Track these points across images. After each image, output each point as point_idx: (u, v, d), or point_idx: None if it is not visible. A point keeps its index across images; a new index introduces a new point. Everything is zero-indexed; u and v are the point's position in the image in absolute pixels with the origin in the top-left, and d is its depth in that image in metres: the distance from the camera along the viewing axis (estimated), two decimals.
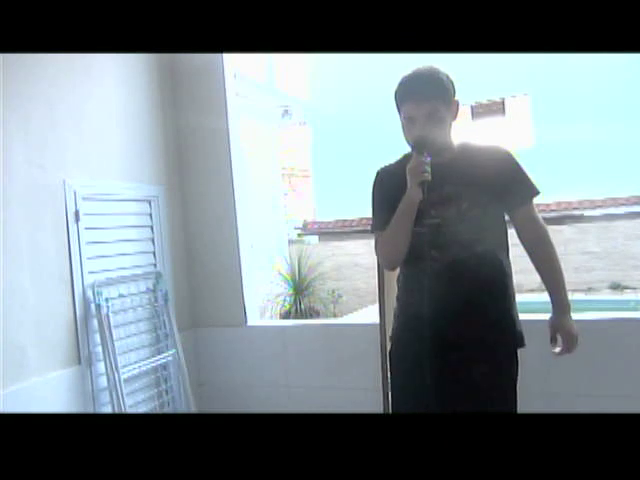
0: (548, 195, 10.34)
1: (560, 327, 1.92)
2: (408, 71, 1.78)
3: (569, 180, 10.05)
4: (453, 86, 1.79)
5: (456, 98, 1.80)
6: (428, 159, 1.68)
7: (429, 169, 1.67)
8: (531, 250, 1.86)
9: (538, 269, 1.87)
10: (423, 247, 1.78)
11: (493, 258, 1.82)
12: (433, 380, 1.75)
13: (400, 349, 1.92)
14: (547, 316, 2.87)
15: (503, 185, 1.78)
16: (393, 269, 1.96)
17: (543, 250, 1.85)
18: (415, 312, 1.83)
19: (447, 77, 1.77)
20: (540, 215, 1.88)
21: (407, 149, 1.86)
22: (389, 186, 1.85)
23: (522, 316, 2.86)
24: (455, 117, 1.82)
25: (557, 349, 1.94)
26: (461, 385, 1.76)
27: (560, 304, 1.91)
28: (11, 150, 2.28)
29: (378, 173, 1.95)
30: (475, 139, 1.90)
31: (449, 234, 1.76)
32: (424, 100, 1.72)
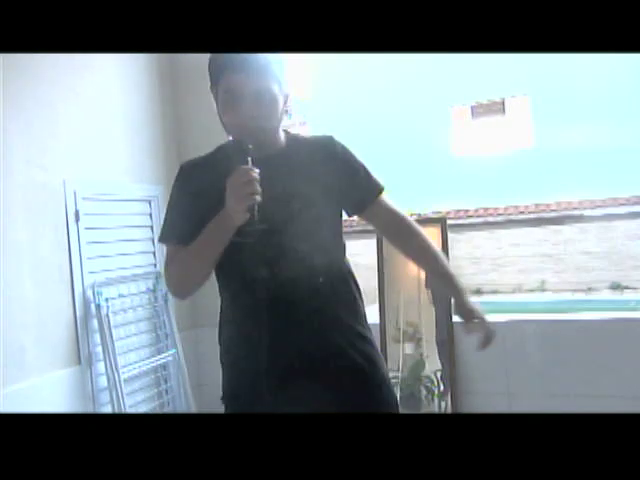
0: (548, 195, 10.35)
1: (470, 310, 1.49)
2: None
3: (569, 180, 10.05)
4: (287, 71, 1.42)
5: (287, 90, 1.43)
6: (257, 171, 1.27)
7: (259, 187, 1.26)
8: (402, 246, 1.58)
9: (419, 262, 1.61)
10: (249, 264, 1.38)
11: (338, 270, 1.48)
12: None
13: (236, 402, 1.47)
14: (547, 316, 2.88)
15: (340, 183, 1.44)
16: (184, 298, 1.53)
17: (416, 241, 1.53)
18: (246, 354, 1.43)
19: (281, 56, 1.40)
20: (393, 204, 1.55)
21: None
22: (196, 186, 1.44)
23: (521, 316, 2.88)
24: (287, 108, 1.46)
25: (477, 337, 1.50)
26: None
27: (458, 288, 1.51)
28: (11, 150, 2.28)
29: (182, 168, 1.51)
30: (303, 132, 1.57)
31: (278, 244, 1.36)
32: (256, 71, 1.32)
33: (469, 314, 1.49)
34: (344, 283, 1.50)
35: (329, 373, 1.40)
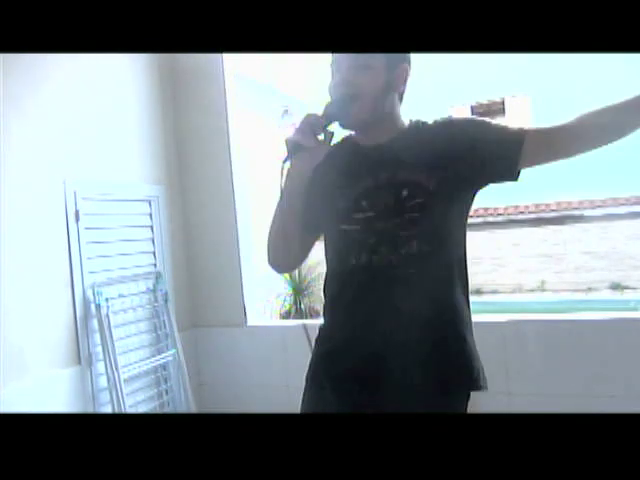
0: (548, 195, 10.36)
1: None
2: None
3: (569, 180, 10.06)
4: None
5: (405, 64, 1.39)
6: (313, 115, 1.33)
7: (305, 128, 1.31)
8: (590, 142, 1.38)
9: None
10: (352, 249, 1.37)
11: (445, 265, 1.40)
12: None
13: (315, 391, 1.46)
14: (547, 316, 2.88)
15: (472, 158, 1.35)
16: (284, 271, 1.48)
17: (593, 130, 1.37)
18: (336, 339, 1.43)
19: None
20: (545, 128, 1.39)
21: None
22: (319, 172, 1.42)
23: (521, 316, 2.88)
24: (400, 84, 1.40)
25: None
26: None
27: None
28: (11, 150, 2.28)
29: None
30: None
31: (383, 232, 1.35)
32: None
33: None
34: (446, 277, 1.41)
35: (406, 369, 1.35)
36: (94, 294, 2.55)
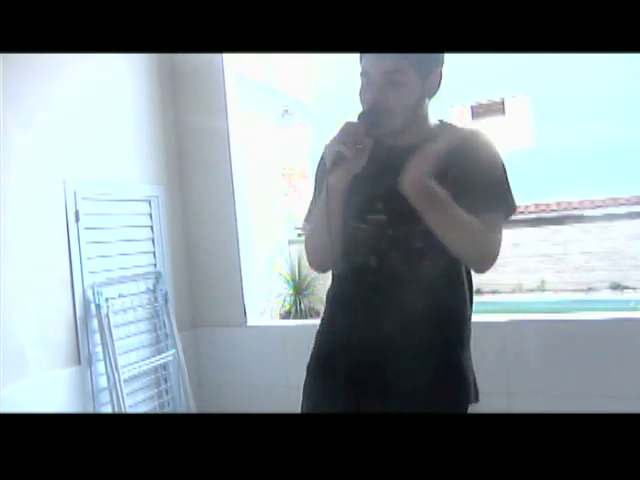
0: (548, 195, 10.35)
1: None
2: None
3: (569, 180, 10.04)
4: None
5: (439, 68, 1.39)
6: (356, 124, 1.32)
7: (351, 137, 1.29)
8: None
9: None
10: (360, 250, 1.39)
11: (451, 278, 1.40)
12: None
13: (313, 387, 1.48)
14: (547, 316, 2.88)
15: (475, 186, 1.33)
16: (323, 271, 1.51)
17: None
18: (336, 339, 1.44)
19: None
20: (501, 233, 1.39)
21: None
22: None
23: (521, 316, 2.88)
24: (433, 91, 1.40)
25: None
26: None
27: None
28: (11, 150, 2.28)
29: (326, 148, 1.40)
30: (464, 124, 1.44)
31: (395, 237, 1.35)
32: (389, 55, 1.33)
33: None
34: (453, 288, 1.42)
35: (405, 376, 1.35)
36: (94, 294, 2.55)
